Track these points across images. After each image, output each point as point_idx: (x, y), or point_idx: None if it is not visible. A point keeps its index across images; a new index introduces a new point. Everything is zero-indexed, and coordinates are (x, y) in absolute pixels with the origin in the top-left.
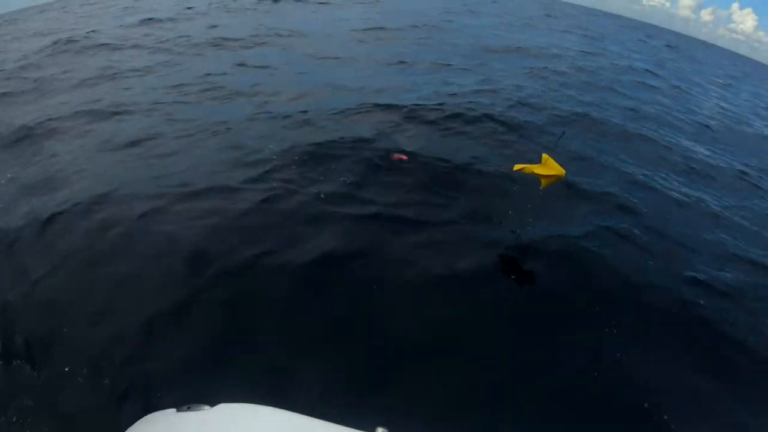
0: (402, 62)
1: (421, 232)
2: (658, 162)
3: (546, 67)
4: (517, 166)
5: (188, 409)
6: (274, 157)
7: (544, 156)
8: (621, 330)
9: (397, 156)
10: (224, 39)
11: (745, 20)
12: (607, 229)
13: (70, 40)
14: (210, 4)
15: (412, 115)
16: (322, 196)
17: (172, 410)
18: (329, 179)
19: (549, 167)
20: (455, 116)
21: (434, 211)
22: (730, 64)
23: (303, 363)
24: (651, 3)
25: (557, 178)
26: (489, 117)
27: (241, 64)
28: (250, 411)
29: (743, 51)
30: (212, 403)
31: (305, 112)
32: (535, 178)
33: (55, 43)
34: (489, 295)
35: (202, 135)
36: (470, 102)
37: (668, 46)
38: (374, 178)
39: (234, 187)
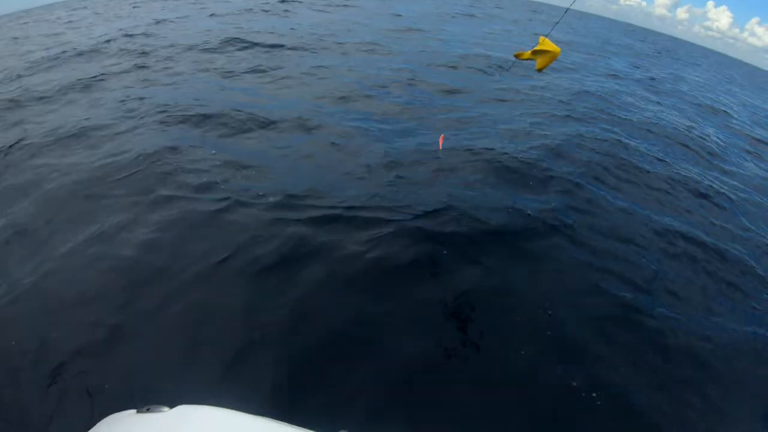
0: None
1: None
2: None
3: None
4: (516, 53)
5: (147, 410)
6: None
7: (541, 38)
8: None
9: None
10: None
11: (720, 18)
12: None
13: (48, 49)
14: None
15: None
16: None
17: (132, 411)
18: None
19: (544, 46)
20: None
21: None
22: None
23: (256, 364)
24: (628, 2)
25: (552, 57)
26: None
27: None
28: (209, 413)
29: (719, 48)
30: (172, 405)
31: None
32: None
33: (30, 52)
34: (423, 296)
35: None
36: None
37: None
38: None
39: (190, 197)
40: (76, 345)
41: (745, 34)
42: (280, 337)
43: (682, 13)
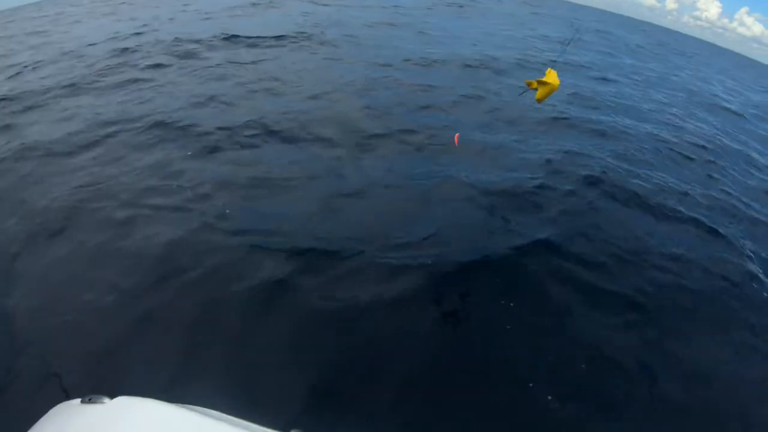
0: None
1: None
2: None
3: None
4: (527, 81)
5: (90, 400)
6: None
7: (548, 70)
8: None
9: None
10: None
11: (709, 7)
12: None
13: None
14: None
15: None
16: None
17: (77, 401)
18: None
19: (548, 78)
20: None
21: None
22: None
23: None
24: None
25: (551, 89)
26: None
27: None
28: (147, 405)
29: (708, 37)
30: (113, 396)
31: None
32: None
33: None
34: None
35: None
36: None
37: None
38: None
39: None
40: (70, 348)
41: (735, 24)
42: (275, 350)
43: (671, 3)
